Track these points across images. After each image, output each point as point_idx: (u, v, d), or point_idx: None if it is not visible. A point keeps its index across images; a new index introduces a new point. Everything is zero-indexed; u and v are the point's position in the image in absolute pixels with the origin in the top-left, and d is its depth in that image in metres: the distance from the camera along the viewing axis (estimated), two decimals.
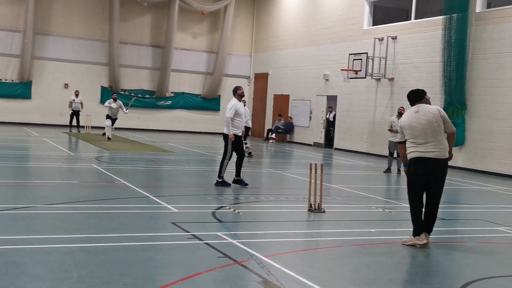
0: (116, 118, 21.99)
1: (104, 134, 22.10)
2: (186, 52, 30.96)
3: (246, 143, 18.90)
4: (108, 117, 21.70)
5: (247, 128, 17.87)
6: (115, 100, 21.81)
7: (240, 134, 11.49)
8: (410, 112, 7.40)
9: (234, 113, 11.28)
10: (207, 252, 6.36)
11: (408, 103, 7.60)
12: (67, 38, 28.74)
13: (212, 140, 27.29)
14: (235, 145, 11.46)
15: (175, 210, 8.68)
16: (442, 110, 7.35)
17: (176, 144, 22.21)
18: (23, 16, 27.58)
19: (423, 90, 7.58)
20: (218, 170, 11.57)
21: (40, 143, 19.27)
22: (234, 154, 11.54)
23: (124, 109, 21.83)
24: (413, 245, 7.13)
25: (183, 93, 31.19)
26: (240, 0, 31.48)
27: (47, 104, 28.38)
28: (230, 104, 11.36)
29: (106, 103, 22.08)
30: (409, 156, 7.30)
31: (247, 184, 11.54)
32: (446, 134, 7.30)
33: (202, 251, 6.39)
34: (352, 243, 7.22)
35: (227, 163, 11.48)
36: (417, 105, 7.38)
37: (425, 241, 7.10)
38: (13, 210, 7.95)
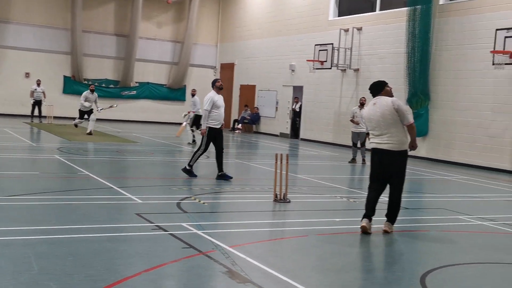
0: (91, 110, 20.65)
1: (76, 125, 21.16)
2: (151, 41, 30.60)
3: (193, 130, 19.00)
4: (81, 113, 20.59)
5: (198, 116, 17.92)
6: (92, 91, 20.53)
7: (218, 126, 11.31)
8: (370, 104, 7.57)
9: (212, 105, 11.11)
10: (172, 243, 6.30)
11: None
12: (28, 26, 28.07)
13: (176, 130, 27.07)
14: (212, 138, 11.32)
15: (140, 201, 8.59)
16: (398, 102, 7.35)
17: (141, 135, 21.98)
18: None
19: (383, 82, 7.64)
20: (189, 159, 11.56)
21: (0, 134, 18.82)
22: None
23: (98, 107, 20.93)
24: (365, 232, 7.20)
25: (148, 83, 30.83)
26: None
27: (8, 94, 27.69)
28: (207, 96, 11.25)
29: (82, 97, 20.49)
30: (370, 147, 7.50)
31: (231, 178, 11.40)
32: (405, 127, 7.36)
33: (167, 242, 6.33)
34: (317, 233, 7.24)
35: (200, 155, 11.39)
36: (376, 97, 7.49)
37: (362, 224, 7.21)
38: None
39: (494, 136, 16.85)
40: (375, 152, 7.40)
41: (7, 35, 27.75)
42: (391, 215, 7.43)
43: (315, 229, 7.44)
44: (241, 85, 30.15)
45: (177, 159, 15.76)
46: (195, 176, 11.36)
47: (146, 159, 14.56)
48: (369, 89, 7.67)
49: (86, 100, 20.44)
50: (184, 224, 7.15)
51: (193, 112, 18.84)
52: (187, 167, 11.41)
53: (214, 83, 11.51)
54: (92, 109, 20.70)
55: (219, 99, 11.29)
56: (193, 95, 19.46)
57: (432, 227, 8.20)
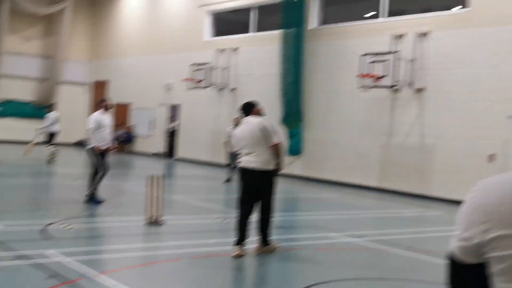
0: None
1: None
2: (18, 56, 28.95)
3: (50, 147, 18.64)
4: None
5: (52, 134, 18.50)
6: None
7: (103, 147, 10.85)
8: (241, 123, 7.75)
9: (97, 125, 10.76)
10: (34, 272, 5.89)
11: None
12: None
13: (44, 150, 25.80)
14: (95, 157, 10.87)
15: (1, 228, 7.99)
16: (265, 123, 7.42)
17: (5, 156, 20.66)
18: None
19: (253, 102, 7.80)
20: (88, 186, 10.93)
21: None
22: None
23: None
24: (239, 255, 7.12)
25: (13, 100, 29.04)
26: (78, 3, 30.21)
27: None
28: (92, 116, 11.01)
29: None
30: (239, 166, 7.58)
31: (100, 202, 10.84)
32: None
33: (29, 272, 5.91)
34: (190, 256, 7.12)
35: (101, 176, 10.87)
36: (247, 117, 7.61)
37: (236, 253, 7.09)
38: None
39: (362, 155, 17.70)
40: (243, 171, 7.47)
41: None
42: (263, 235, 7.47)
43: (189, 252, 7.32)
44: (116, 104, 29.35)
45: (45, 181, 14.98)
46: (102, 201, 10.77)
47: (10, 182, 13.66)
48: (241, 109, 7.80)
49: None
50: (49, 251, 6.73)
51: (46, 128, 18.88)
52: (88, 195, 10.79)
53: (100, 102, 11.42)
54: None
55: (106, 118, 11.01)
56: (49, 111, 19.49)
57: (304, 246, 8.36)
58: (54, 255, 6.57)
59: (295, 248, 8.23)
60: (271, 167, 7.37)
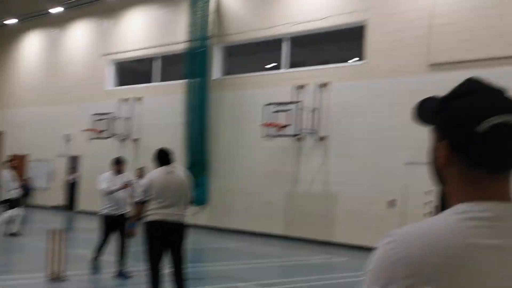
0: None
1: None
2: None
3: None
4: None
5: None
6: None
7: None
8: (161, 171, 7.04)
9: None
10: None
11: (156, 162, 7.24)
12: None
13: None
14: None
15: None
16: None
17: None
18: None
19: (169, 150, 7.31)
20: None
21: None
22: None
23: None
24: None
25: None
26: None
27: None
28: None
29: None
30: (150, 219, 6.89)
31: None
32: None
33: None
34: None
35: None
36: (169, 166, 7.09)
37: None
38: None
39: (268, 203, 17.86)
40: (162, 224, 6.85)
41: None
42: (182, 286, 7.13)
43: None
44: (13, 155, 28.04)
45: None
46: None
47: None
48: (158, 156, 7.18)
49: None
50: None
51: None
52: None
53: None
54: None
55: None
56: None
57: None
58: None
59: None
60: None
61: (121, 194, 9.24)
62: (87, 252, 11.97)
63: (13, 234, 14.00)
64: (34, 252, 12.17)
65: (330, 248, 15.05)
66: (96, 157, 23.52)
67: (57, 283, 8.43)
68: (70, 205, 24.82)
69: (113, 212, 9.21)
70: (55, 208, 24.98)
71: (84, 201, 23.97)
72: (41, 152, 26.26)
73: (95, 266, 9.33)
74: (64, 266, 8.69)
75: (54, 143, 25.56)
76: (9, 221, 13.85)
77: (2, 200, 14.07)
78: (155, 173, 7.08)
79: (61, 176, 25.17)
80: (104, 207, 9.38)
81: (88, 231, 17.34)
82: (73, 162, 24.84)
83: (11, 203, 13.92)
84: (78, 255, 11.55)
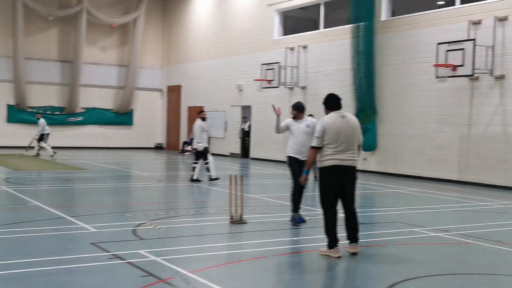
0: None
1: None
2: (96, 66, 30.14)
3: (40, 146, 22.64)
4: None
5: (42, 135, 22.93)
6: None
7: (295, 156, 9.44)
8: (334, 117, 7.13)
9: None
10: (130, 271, 6.16)
11: (325, 108, 7.30)
12: None
13: (126, 155, 26.73)
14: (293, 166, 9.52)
15: (94, 230, 8.38)
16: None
17: (90, 161, 21.55)
18: None
19: (339, 97, 7.39)
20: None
21: None
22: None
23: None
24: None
25: (94, 108, 30.35)
26: (150, 12, 31.11)
27: None
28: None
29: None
30: (326, 164, 7.06)
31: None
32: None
33: (125, 271, 6.18)
34: (275, 253, 7.22)
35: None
36: (339, 111, 7.20)
37: (339, 254, 6.99)
38: None
39: (440, 147, 17.30)
40: (337, 168, 7.00)
41: None
42: (356, 233, 7.28)
43: (274, 250, 7.42)
44: (188, 107, 30.05)
45: (128, 184, 15.52)
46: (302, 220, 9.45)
47: (97, 186, 14.26)
48: (326, 101, 7.28)
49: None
50: (141, 252, 7.01)
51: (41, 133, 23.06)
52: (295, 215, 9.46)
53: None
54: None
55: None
56: (38, 118, 23.51)
57: (388, 241, 8.29)
58: (146, 255, 6.84)
59: (378, 244, 8.18)
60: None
61: (304, 139, 9.29)
62: (262, 196, 12.63)
63: (196, 181, 15.17)
64: (215, 196, 13.12)
65: (510, 194, 14.27)
66: (267, 106, 24.33)
67: (238, 225, 9.05)
68: (244, 152, 26.11)
69: (296, 156, 9.30)
70: (231, 155, 26.45)
71: (256, 149, 25.04)
72: (215, 103, 27.75)
73: (295, 214, 9.29)
74: (242, 209, 9.28)
75: (227, 94, 26.85)
76: (206, 169, 15.14)
77: (194, 150, 15.59)
78: (328, 119, 7.16)
79: (235, 125, 26.46)
80: (289, 150, 9.45)
81: (261, 176, 18.20)
82: (246, 111, 25.94)
83: (200, 153, 15.16)
84: (254, 199, 12.23)
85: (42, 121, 23.35)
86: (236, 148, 26.45)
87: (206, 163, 15.25)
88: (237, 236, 8.62)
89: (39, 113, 25.08)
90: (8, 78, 28.03)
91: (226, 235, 8.65)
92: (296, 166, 9.25)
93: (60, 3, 29.06)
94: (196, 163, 15.43)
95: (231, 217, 9.22)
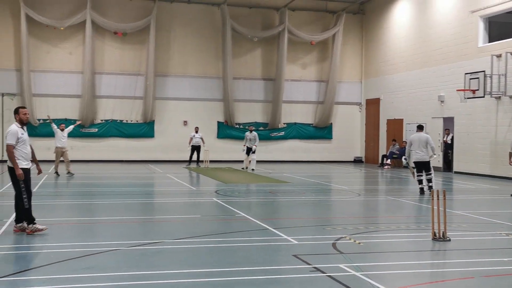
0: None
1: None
2: (297, 82, 31.33)
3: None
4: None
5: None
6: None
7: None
8: None
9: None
10: (331, 285, 6.32)
11: None
12: (184, 77, 30.09)
13: (325, 168, 27.23)
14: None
15: (295, 242, 8.73)
16: None
17: (292, 175, 22.36)
18: (145, 60, 29.22)
19: None
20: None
21: (163, 179, 20.18)
22: None
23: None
24: None
25: (295, 123, 31.49)
26: (348, 27, 31.50)
27: (168, 142, 29.74)
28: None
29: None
30: None
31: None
32: None
33: (326, 284, 6.37)
34: (482, 274, 6.88)
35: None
36: None
37: None
38: (141, 246, 8.37)
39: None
40: None
41: (167, 88, 29.93)
42: None
43: (481, 270, 7.07)
44: (387, 120, 29.70)
45: (328, 198, 15.81)
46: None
47: (298, 199, 14.77)
48: None
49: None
50: (341, 266, 7.15)
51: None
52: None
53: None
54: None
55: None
56: (250, 131, 25.04)
57: None
58: (346, 269, 6.96)
59: None
60: None
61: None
62: (467, 213, 12.03)
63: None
64: (415, 211, 12.81)
65: None
66: (471, 117, 23.14)
67: (442, 242, 8.76)
68: (447, 166, 25.05)
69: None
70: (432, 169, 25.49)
71: (460, 162, 23.88)
72: (415, 115, 27.06)
73: None
74: (445, 226, 8.97)
75: (427, 106, 26.04)
76: (427, 180, 15.60)
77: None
78: None
79: (436, 137, 25.53)
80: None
81: (466, 191, 17.31)
82: (448, 123, 24.91)
83: (423, 164, 15.65)
84: (458, 215, 11.70)
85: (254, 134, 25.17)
86: (438, 162, 25.47)
87: (429, 174, 15.13)
88: (440, 254, 8.36)
89: (251, 126, 27.33)
90: (218, 97, 30.34)
91: (428, 252, 8.43)
92: None
93: (264, 24, 30.77)
94: (420, 175, 15.62)
95: (434, 234, 8.97)
